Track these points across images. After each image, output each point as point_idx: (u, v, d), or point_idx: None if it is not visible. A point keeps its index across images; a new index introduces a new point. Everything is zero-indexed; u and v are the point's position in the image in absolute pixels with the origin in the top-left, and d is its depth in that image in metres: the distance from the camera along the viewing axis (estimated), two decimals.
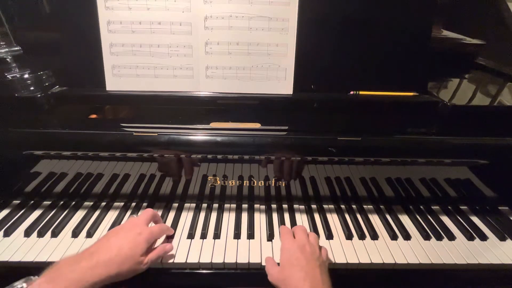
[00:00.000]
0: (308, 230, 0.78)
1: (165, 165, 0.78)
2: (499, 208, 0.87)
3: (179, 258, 0.70)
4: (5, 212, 0.82)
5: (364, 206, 0.86)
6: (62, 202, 0.85)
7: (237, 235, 0.76)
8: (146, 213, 0.70)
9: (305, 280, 0.59)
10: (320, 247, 0.69)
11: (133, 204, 0.85)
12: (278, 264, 0.67)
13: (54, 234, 0.75)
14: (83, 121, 0.81)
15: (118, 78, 0.80)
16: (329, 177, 0.82)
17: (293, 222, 0.81)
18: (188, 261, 0.70)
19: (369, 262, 0.70)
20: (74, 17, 0.79)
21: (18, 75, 0.83)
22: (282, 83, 0.81)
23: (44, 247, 0.72)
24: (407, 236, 0.77)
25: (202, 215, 0.82)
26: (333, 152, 0.75)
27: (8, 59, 0.82)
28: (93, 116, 0.82)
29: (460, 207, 0.87)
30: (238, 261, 0.70)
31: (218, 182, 0.82)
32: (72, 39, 0.81)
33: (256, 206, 0.86)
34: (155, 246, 0.70)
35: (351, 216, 0.83)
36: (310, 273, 0.60)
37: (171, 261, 0.70)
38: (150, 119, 0.80)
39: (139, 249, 0.63)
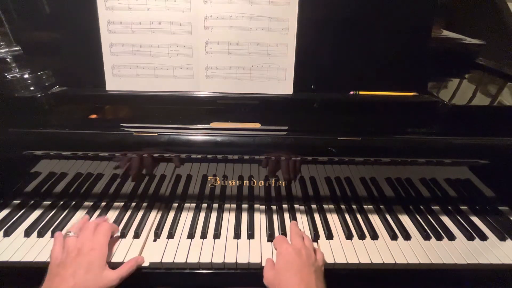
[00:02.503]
0: (308, 231, 0.79)
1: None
2: (499, 208, 0.87)
3: (179, 258, 0.70)
4: (5, 212, 0.82)
5: (364, 206, 0.86)
6: (62, 202, 0.85)
7: (237, 235, 0.76)
8: (86, 229, 0.68)
9: (300, 285, 0.59)
10: (315, 251, 0.68)
11: (133, 204, 0.85)
12: None
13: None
14: (83, 121, 0.81)
15: (118, 78, 0.80)
16: (329, 177, 0.82)
17: None
18: (188, 261, 0.70)
19: (369, 262, 0.70)
20: (74, 17, 0.79)
21: (18, 75, 0.83)
22: (282, 83, 0.81)
23: (44, 247, 0.72)
24: (407, 236, 0.77)
25: (202, 215, 0.82)
26: (333, 152, 0.75)
27: (8, 59, 0.82)
28: (93, 116, 0.82)
29: (460, 207, 0.87)
30: (238, 261, 0.70)
31: (218, 182, 0.82)
32: (72, 39, 0.81)
33: (256, 206, 0.86)
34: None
35: (351, 216, 0.83)
36: (305, 279, 0.60)
37: (171, 261, 0.70)
38: (150, 119, 0.80)
39: (95, 267, 0.61)
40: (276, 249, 0.70)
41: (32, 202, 0.85)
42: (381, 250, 0.73)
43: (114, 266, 0.69)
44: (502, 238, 0.78)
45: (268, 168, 0.79)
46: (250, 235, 0.76)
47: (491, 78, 1.05)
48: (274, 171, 0.80)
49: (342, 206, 0.86)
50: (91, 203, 0.85)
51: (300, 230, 0.75)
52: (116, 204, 0.85)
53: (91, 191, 0.84)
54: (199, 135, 0.74)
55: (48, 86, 0.84)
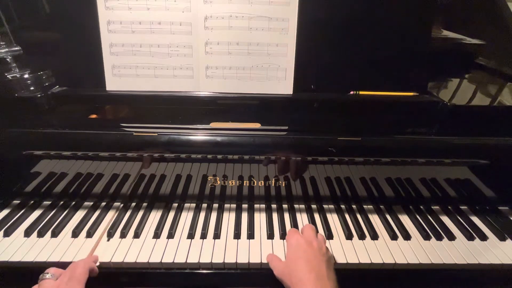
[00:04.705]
0: None
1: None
2: (499, 208, 0.87)
3: (179, 258, 0.70)
4: (5, 212, 0.82)
5: (364, 206, 0.86)
6: (62, 202, 0.85)
7: (237, 235, 0.76)
8: (73, 274, 0.60)
9: (311, 273, 0.59)
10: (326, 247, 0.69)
11: (133, 204, 0.85)
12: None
13: (54, 234, 0.75)
14: (83, 121, 0.81)
15: (118, 78, 0.80)
16: (329, 177, 0.82)
17: (293, 222, 0.81)
18: (188, 261, 0.70)
19: (369, 262, 0.70)
20: (74, 17, 0.79)
21: (18, 75, 0.83)
22: (282, 83, 0.81)
23: (44, 247, 0.72)
24: (407, 236, 0.77)
25: (202, 215, 0.82)
26: (333, 152, 0.75)
27: (8, 59, 0.82)
28: (93, 116, 0.82)
29: (460, 207, 0.87)
30: (238, 261, 0.70)
31: (218, 182, 0.82)
32: (72, 39, 0.81)
33: (256, 206, 0.86)
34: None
35: (351, 216, 0.83)
36: (316, 267, 0.61)
37: (171, 261, 0.70)
38: (150, 119, 0.80)
39: None
40: (287, 241, 0.70)
41: (32, 202, 0.85)
42: (381, 250, 0.73)
43: (113, 266, 0.69)
44: (502, 238, 0.78)
45: (268, 168, 0.79)
46: (250, 235, 0.76)
47: (491, 78, 1.05)
48: (278, 171, 0.80)
49: (342, 206, 0.86)
50: (91, 203, 0.85)
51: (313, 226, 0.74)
52: (116, 204, 0.85)
53: (91, 191, 0.84)
54: (199, 135, 0.74)
55: (48, 86, 0.84)
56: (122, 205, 0.85)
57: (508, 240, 0.77)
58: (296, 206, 0.86)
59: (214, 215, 0.82)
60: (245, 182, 0.82)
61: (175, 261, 0.70)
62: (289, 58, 0.79)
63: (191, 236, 0.75)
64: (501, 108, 0.86)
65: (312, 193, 0.84)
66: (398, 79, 0.84)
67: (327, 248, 0.68)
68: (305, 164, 0.79)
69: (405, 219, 0.83)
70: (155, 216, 0.82)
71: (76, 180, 0.82)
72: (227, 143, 0.74)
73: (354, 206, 0.86)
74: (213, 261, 0.70)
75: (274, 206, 0.86)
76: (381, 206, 0.86)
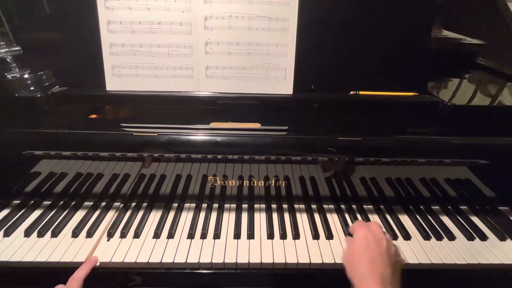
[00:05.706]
0: (308, 230, 0.79)
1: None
2: (499, 208, 0.87)
3: (179, 258, 0.70)
4: (5, 212, 0.82)
5: (364, 206, 0.86)
6: (62, 202, 0.85)
7: (237, 235, 0.76)
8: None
9: (374, 273, 0.56)
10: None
11: (133, 204, 0.85)
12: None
13: (54, 234, 0.75)
14: (83, 121, 0.81)
15: (118, 78, 0.80)
16: (329, 177, 0.82)
17: (293, 222, 0.80)
18: (188, 261, 0.70)
19: None
20: (74, 17, 0.79)
21: (18, 75, 0.83)
22: (282, 83, 0.81)
23: (44, 247, 0.72)
24: (407, 236, 0.77)
25: (202, 215, 0.82)
26: (333, 152, 0.75)
27: (8, 59, 0.82)
28: (93, 116, 0.82)
29: (460, 207, 0.87)
30: (238, 261, 0.70)
31: (218, 182, 0.82)
32: (72, 39, 0.81)
33: (256, 206, 0.86)
34: None
35: (351, 216, 0.83)
36: (380, 269, 0.58)
37: (171, 261, 0.70)
38: (150, 119, 0.80)
39: None
40: (354, 231, 0.65)
41: (32, 202, 0.85)
42: None
43: (113, 266, 0.69)
44: (502, 238, 0.78)
45: (268, 168, 0.79)
46: (250, 235, 0.76)
47: (491, 78, 1.05)
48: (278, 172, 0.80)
49: (342, 206, 0.86)
50: (91, 203, 0.85)
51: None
52: (116, 204, 0.85)
53: (91, 191, 0.84)
54: (199, 135, 0.74)
55: (48, 86, 0.84)
56: (122, 205, 0.85)
57: (508, 240, 0.77)
58: (296, 206, 0.86)
59: (214, 215, 0.82)
60: (245, 182, 0.82)
61: (175, 261, 0.70)
62: (289, 58, 0.79)
63: (191, 236, 0.76)
64: (501, 108, 0.86)
65: (312, 193, 0.84)
66: (398, 79, 0.84)
67: (396, 251, 0.64)
68: (305, 164, 0.78)
69: (405, 219, 0.83)
70: (155, 216, 0.82)
71: (76, 180, 0.82)
72: (227, 143, 0.74)
73: (354, 206, 0.86)
74: (213, 261, 0.70)
75: (274, 206, 0.86)
76: (381, 206, 0.86)
